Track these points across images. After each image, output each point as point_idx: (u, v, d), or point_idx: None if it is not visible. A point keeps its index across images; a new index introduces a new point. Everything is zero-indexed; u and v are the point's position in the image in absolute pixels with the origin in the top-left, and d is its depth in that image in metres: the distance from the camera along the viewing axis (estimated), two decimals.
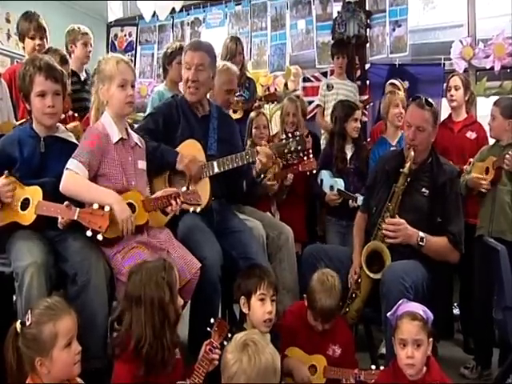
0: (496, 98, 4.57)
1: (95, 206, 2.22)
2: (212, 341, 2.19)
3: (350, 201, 3.74)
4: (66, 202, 2.26)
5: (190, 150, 2.88)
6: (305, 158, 3.11)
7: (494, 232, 3.31)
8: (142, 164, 2.61)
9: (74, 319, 1.85)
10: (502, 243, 3.00)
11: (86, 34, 4.17)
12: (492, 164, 3.35)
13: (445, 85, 4.26)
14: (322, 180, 3.93)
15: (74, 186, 2.36)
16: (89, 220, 2.19)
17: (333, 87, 4.94)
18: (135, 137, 2.62)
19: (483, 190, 3.38)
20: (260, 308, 2.43)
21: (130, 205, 2.42)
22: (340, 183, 3.85)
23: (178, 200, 2.47)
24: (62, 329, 1.79)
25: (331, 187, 3.88)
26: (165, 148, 2.84)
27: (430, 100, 2.95)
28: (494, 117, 3.45)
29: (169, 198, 2.47)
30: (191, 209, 2.54)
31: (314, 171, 3.51)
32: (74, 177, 2.35)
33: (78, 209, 2.23)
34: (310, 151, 3.07)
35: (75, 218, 2.21)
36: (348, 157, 3.95)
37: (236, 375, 1.67)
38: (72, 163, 2.36)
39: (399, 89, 4.33)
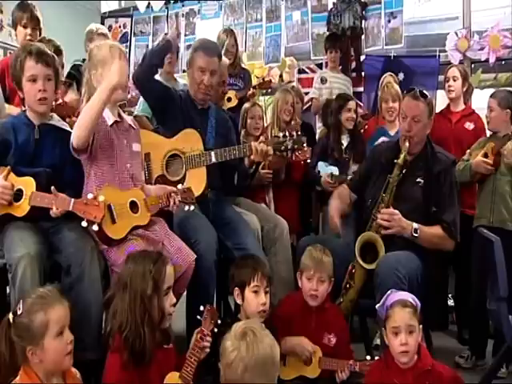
0: (491, 90, 4.58)
1: (89, 196, 2.21)
2: (203, 329, 2.19)
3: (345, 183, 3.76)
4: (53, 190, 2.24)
5: (189, 139, 2.93)
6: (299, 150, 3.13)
7: (495, 222, 3.34)
8: (137, 146, 2.60)
9: (67, 308, 1.85)
10: (503, 233, 3.02)
11: (102, 34, 4.14)
12: (491, 150, 3.37)
13: (440, 77, 4.25)
14: (318, 171, 3.94)
15: (81, 121, 2.28)
16: (84, 211, 2.18)
17: (326, 81, 4.93)
18: (129, 119, 2.62)
19: (485, 172, 3.40)
20: (254, 299, 2.45)
21: (133, 203, 2.42)
22: (335, 170, 3.87)
23: (176, 200, 2.50)
24: (53, 317, 1.79)
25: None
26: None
27: (424, 92, 2.96)
28: (492, 108, 3.47)
29: (168, 196, 2.49)
30: (186, 207, 2.56)
31: (309, 161, 3.50)
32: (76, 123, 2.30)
33: (72, 199, 2.22)
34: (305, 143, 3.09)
35: (70, 208, 2.20)
36: (343, 147, 3.97)
37: (234, 363, 1.67)
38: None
39: (395, 81, 4.32)
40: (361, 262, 2.82)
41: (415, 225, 2.78)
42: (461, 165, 3.50)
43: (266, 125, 4.19)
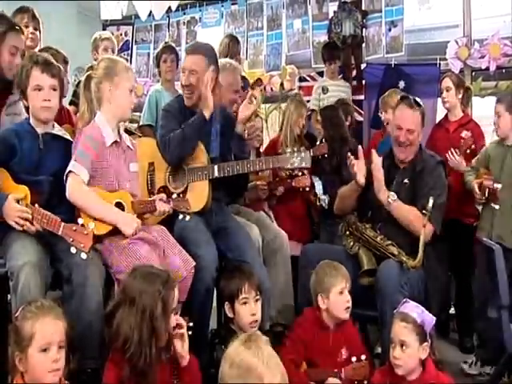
0: (492, 98, 4.58)
1: (80, 222, 2.20)
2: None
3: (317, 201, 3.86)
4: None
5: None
6: (299, 173, 3.15)
7: (494, 236, 3.26)
8: (134, 166, 2.62)
9: (60, 327, 1.84)
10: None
11: (107, 39, 4.17)
12: (480, 187, 3.33)
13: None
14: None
15: (82, 199, 2.37)
16: (72, 238, 2.17)
17: (328, 90, 4.93)
18: (127, 140, 2.63)
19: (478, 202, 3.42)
20: (244, 312, 2.46)
21: (119, 204, 2.44)
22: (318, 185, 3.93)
23: (165, 205, 2.51)
24: (39, 331, 1.79)
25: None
26: (187, 124, 2.84)
27: (418, 100, 2.96)
28: (500, 114, 3.35)
29: (157, 203, 2.50)
30: (180, 216, 2.55)
31: (307, 189, 3.54)
32: (81, 187, 2.36)
33: (62, 223, 2.21)
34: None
35: (60, 233, 2.20)
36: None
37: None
38: (75, 166, 2.36)
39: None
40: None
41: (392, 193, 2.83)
42: (467, 175, 3.51)
43: (267, 134, 4.20)
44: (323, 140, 3.57)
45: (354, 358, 2.44)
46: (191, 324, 2.23)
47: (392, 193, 2.84)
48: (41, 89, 2.42)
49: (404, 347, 2.20)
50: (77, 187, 2.36)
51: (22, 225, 2.25)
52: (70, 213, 2.41)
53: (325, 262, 2.71)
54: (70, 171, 2.36)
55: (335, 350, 2.61)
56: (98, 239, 2.37)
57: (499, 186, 3.25)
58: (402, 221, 2.85)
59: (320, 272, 2.67)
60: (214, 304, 2.83)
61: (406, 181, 2.96)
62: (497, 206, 3.30)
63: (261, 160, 2.95)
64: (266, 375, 1.54)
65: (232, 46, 4.38)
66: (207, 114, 2.82)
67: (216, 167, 2.85)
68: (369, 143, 4.62)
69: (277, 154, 2.98)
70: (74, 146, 2.46)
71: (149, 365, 1.98)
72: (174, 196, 2.57)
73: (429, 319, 2.26)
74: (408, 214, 2.84)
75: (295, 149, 2.89)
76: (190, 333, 2.22)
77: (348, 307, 2.61)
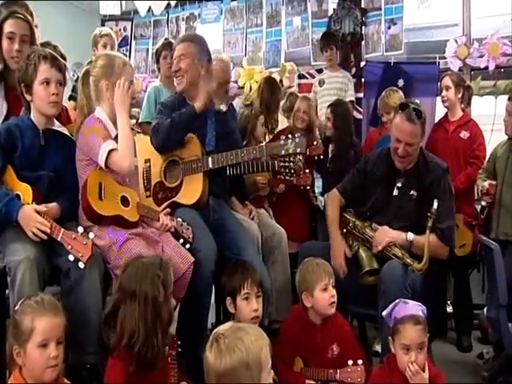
0: (490, 97, 4.61)
1: (80, 230, 2.19)
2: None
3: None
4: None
5: (188, 144, 2.89)
6: (301, 172, 3.20)
7: (500, 234, 3.32)
8: (134, 161, 2.58)
9: (59, 323, 1.84)
10: (508, 245, 3.06)
11: (106, 35, 4.15)
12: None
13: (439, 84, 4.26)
14: None
15: (131, 158, 2.40)
16: (71, 246, 2.16)
17: (324, 82, 4.91)
18: None
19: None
20: (246, 307, 2.47)
21: (125, 199, 2.44)
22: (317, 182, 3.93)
23: (168, 221, 2.53)
24: (38, 327, 1.78)
25: None
26: (177, 113, 2.85)
27: (418, 108, 2.82)
28: (510, 112, 3.38)
29: (161, 215, 2.54)
30: (181, 240, 2.56)
31: (308, 187, 3.53)
32: (130, 154, 2.39)
33: (62, 230, 2.21)
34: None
35: (58, 238, 2.20)
36: (329, 156, 3.98)
37: (208, 372, 1.67)
38: (109, 145, 2.35)
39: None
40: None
41: (410, 235, 2.76)
42: (478, 178, 3.58)
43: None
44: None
45: (350, 362, 2.43)
46: (180, 350, 2.23)
47: (409, 233, 2.77)
48: (49, 83, 2.41)
49: (421, 348, 2.20)
50: (124, 158, 2.36)
51: (37, 235, 2.23)
52: (66, 209, 2.40)
53: (307, 260, 2.70)
54: (109, 151, 2.34)
55: (324, 346, 2.60)
56: (101, 221, 2.37)
57: (486, 183, 3.44)
58: (423, 253, 2.71)
59: (302, 270, 2.67)
60: (212, 300, 2.83)
61: (412, 192, 2.88)
62: (483, 203, 3.48)
63: (254, 148, 2.92)
64: None
65: (273, 92, 4.11)
66: (198, 107, 2.83)
67: (210, 159, 2.83)
68: (366, 141, 4.62)
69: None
70: (84, 137, 2.42)
71: (156, 355, 1.99)
72: (179, 220, 2.59)
73: (425, 310, 2.28)
74: (428, 245, 2.70)
75: (289, 136, 2.83)
76: (179, 350, 2.23)
77: (333, 302, 2.58)
